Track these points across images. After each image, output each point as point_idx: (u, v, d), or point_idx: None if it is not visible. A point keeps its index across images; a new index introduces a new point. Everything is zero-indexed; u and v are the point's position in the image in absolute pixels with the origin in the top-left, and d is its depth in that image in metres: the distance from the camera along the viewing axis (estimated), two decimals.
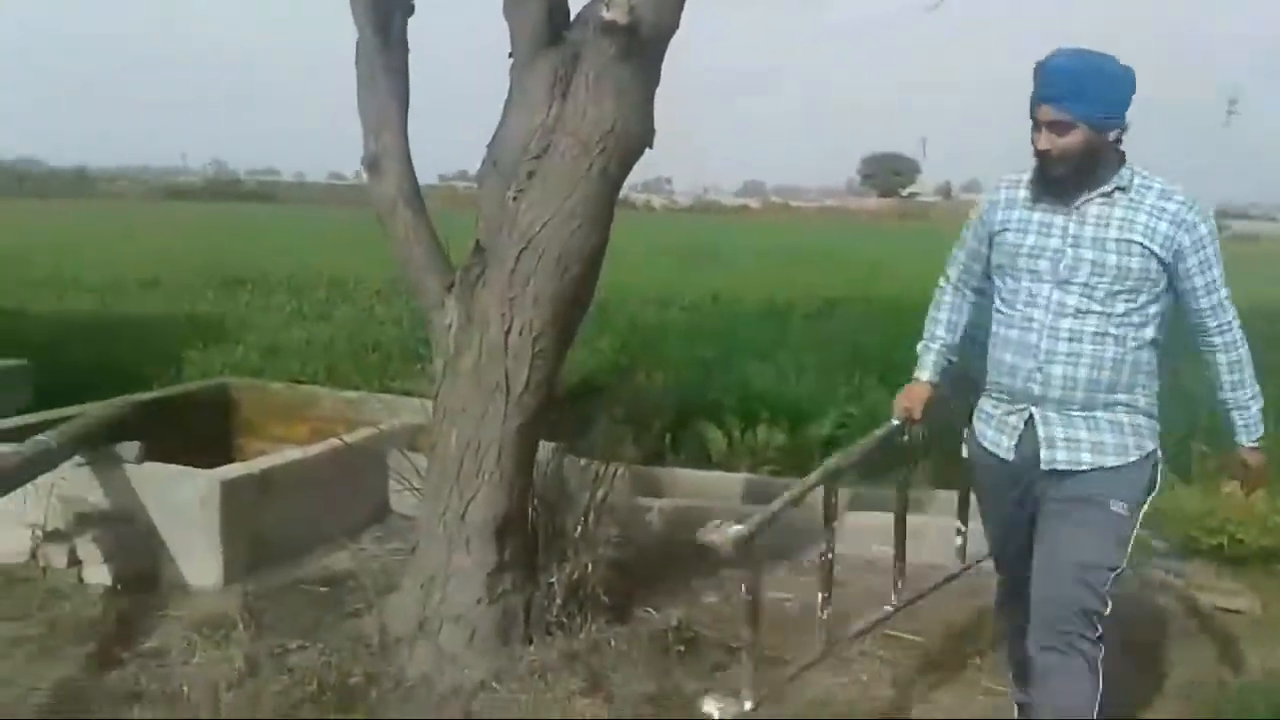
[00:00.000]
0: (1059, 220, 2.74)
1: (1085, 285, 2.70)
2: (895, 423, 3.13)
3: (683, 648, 3.65)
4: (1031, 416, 2.79)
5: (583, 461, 4.30)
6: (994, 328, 2.87)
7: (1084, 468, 2.76)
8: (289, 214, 37.62)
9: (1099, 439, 2.75)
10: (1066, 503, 2.78)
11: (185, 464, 4.41)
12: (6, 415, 5.14)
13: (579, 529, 3.92)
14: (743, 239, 30.12)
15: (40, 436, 4.12)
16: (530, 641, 3.62)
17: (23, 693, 3.31)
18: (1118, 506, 2.74)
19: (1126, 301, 2.70)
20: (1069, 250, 2.72)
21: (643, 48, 3.39)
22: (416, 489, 4.36)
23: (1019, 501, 2.91)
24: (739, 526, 2.70)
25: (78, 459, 4.26)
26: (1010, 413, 2.85)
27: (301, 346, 8.96)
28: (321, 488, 4.69)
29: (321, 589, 4.18)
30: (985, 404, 2.95)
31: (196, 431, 5.36)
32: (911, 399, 3.10)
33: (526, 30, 3.75)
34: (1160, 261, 2.68)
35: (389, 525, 4.94)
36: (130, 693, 3.30)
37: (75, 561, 4.06)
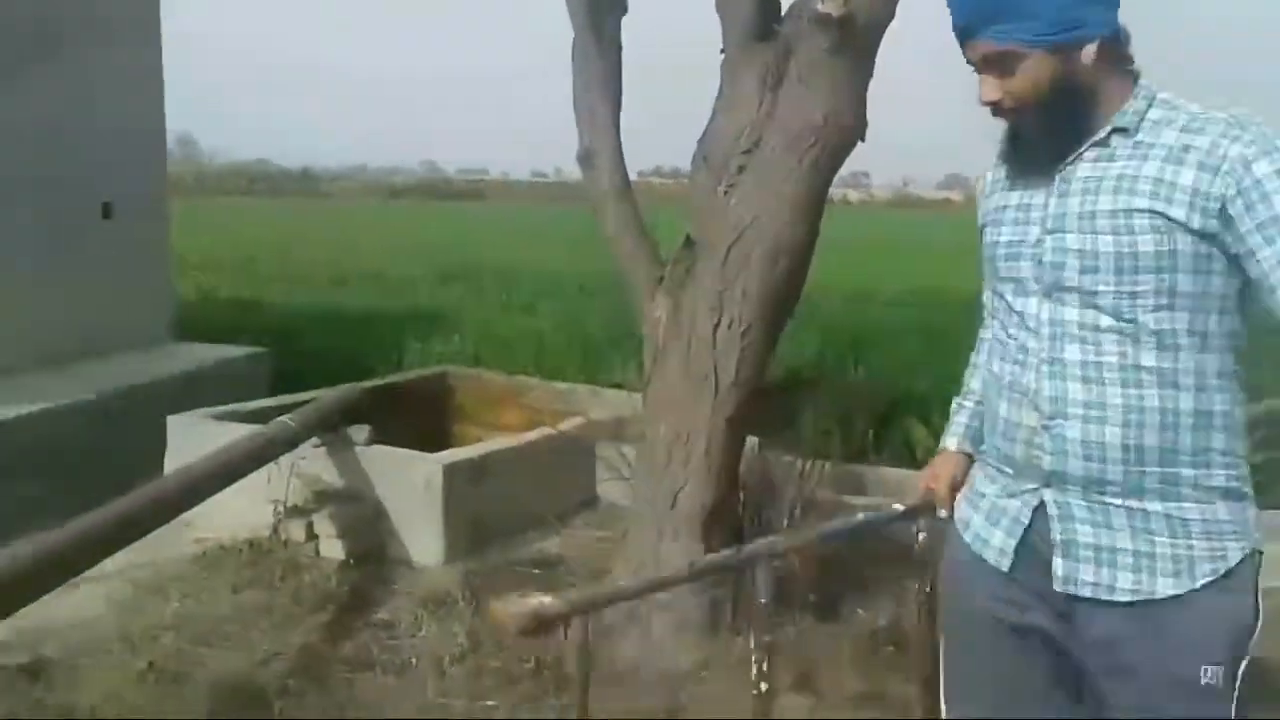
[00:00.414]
0: (1039, 197, 1.82)
1: (1079, 290, 1.74)
2: (898, 508, 2.21)
3: (892, 648, 3.60)
4: (1042, 504, 1.81)
5: (787, 457, 4.30)
6: (989, 364, 1.96)
7: (1122, 598, 1.75)
8: (496, 211, 38.96)
9: (1148, 548, 1.73)
10: (1110, 677, 1.77)
11: (408, 447, 4.66)
12: (249, 398, 5.56)
13: (785, 523, 3.93)
14: (944, 233, 29.23)
15: (282, 418, 4.45)
16: (738, 633, 3.65)
17: (267, 657, 3.57)
18: (1209, 675, 1.71)
19: (1156, 310, 1.70)
20: (1048, 239, 1.78)
21: (856, 40, 3.37)
22: (625, 477, 4.48)
23: (1017, 645, 1.88)
24: (544, 601, 1.95)
25: (315, 440, 4.57)
26: (1011, 494, 1.87)
27: (512, 338, 9.30)
28: (534, 474, 4.86)
29: (534, 571, 4.33)
30: (978, 478, 1.99)
31: (418, 417, 5.65)
32: (937, 476, 2.13)
33: (738, 25, 3.78)
34: (1195, 234, 1.67)
35: (597, 512, 5.07)
36: (364, 661, 3.52)
37: (313, 536, 4.36)
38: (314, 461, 4.55)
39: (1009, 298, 1.85)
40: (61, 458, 5.14)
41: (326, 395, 5.08)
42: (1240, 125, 1.67)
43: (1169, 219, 1.66)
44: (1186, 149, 1.67)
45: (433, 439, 5.27)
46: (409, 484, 4.42)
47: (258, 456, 4.13)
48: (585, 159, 4.20)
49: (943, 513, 2.08)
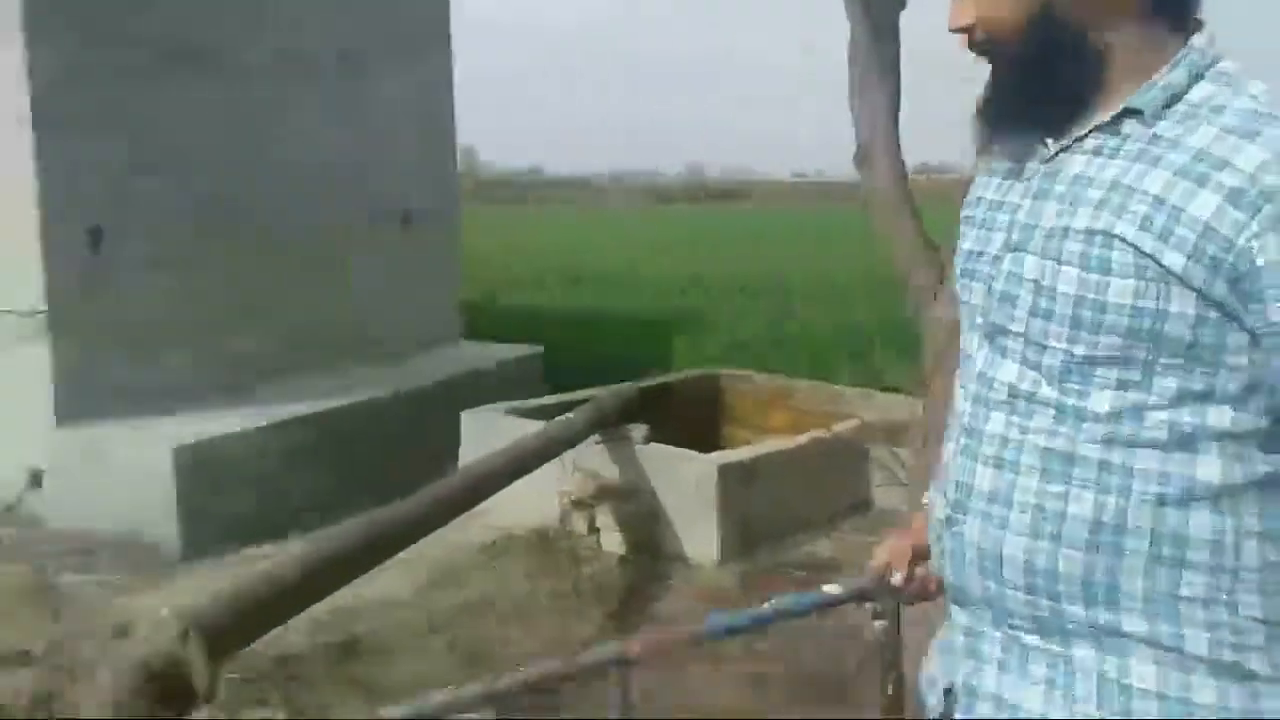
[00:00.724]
0: (1015, 194, 1.27)
1: (1025, 339, 1.22)
2: (831, 591, 1.66)
3: None
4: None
5: None
6: None
7: None
8: (761, 212, 39.04)
9: (1063, 712, 1.19)
10: None
11: (681, 447, 4.76)
12: (526, 396, 5.83)
13: None
14: None
15: (566, 416, 4.64)
16: None
17: (555, 642, 3.73)
18: None
19: (1120, 388, 1.15)
20: (1007, 258, 1.25)
21: None
22: (902, 482, 4.38)
23: None
24: None
25: (595, 437, 4.75)
26: (947, 615, 1.41)
27: (781, 338, 9.31)
28: (805, 477, 4.84)
29: (801, 573, 4.31)
30: None
31: (689, 417, 5.75)
32: (897, 547, 1.58)
33: None
34: (1197, 294, 1.10)
35: (869, 517, 4.99)
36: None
37: (594, 529, 4.53)
38: (595, 457, 4.72)
39: (964, 331, 1.33)
40: (372, 445, 5.58)
41: (604, 394, 5.26)
42: None
43: (1159, 264, 1.10)
44: (1223, 163, 1.09)
45: (703, 439, 5.35)
46: (684, 483, 4.51)
47: (544, 453, 4.32)
48: (861, 157, 4.13)
49: (897, 577, 1.54)
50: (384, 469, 5.47)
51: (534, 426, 4.68)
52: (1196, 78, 1.16)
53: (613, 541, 4.47)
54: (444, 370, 6.74)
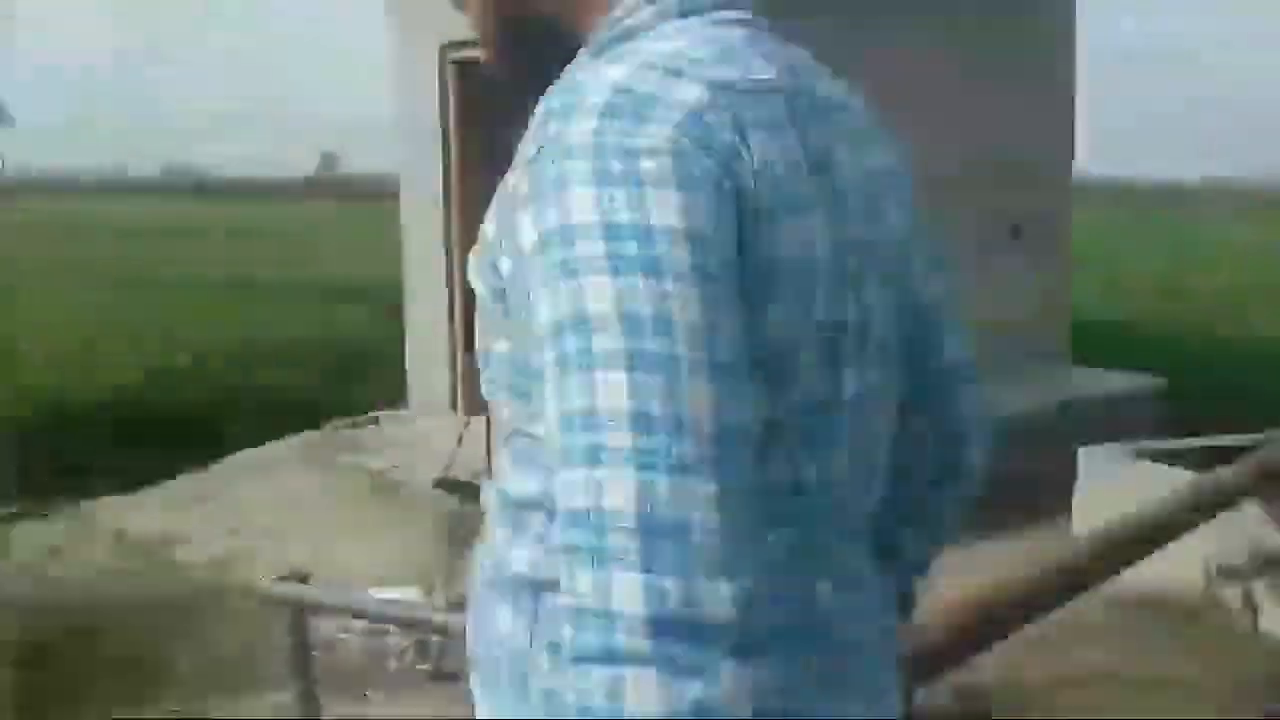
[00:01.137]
0: None
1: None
2: None
3: None
4: None
5: None
6: None
7: None
8: None
9: None
10: None
11: None
12: (1136, 431, 5.20)
13: None
14: None
15: (1224, 469, 4.00)
16: None
17: None
18: None
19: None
20: None
21: None
22: None
23: None
24: None
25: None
26: None
27: None
28: None
29: None
30: None
31: None
32: None
33: None
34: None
35: None
36: None
37: (1251, 606, 3.87)
38: (1255, 519, 4.03)
39: None
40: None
41: (1275, 443, 4.49)
42: (549, 113, 0.86)
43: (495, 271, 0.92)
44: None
45: None
46: None
47: (1196, 510, 3.76)
48: None
49: None
50: (988, 497, 5.18)
51: (1165, 473, 4.12)
52: (602, 50, 0.93)
53: (1275, 622, 3.78)
54: (1052, 396, 6.29)
